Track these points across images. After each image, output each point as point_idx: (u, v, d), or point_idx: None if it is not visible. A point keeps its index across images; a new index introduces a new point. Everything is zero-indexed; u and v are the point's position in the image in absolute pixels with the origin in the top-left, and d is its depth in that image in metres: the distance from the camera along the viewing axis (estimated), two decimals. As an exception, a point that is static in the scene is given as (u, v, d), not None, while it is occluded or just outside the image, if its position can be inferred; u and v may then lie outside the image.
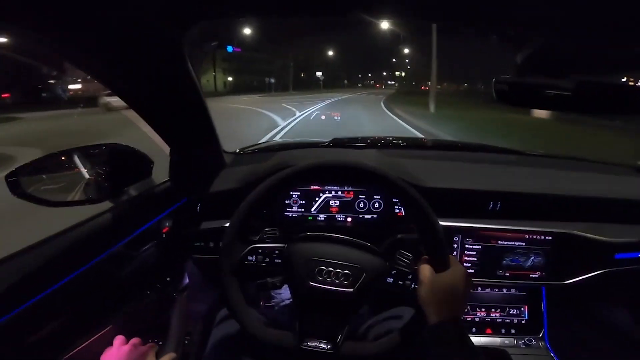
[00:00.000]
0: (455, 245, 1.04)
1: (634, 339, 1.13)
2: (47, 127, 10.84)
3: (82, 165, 0.84)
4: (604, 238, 0.99)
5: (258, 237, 0.93)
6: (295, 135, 8.56)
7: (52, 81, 22.80)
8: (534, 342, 1.14)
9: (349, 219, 1.10)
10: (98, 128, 9.16)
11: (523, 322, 1.16)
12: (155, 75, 0.77)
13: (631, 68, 0.67)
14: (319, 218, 1.10)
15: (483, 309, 1.16)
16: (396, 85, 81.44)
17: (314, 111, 15.02)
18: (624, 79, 0.68)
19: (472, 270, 1.05)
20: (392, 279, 0.96)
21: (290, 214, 1.10)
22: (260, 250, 0.93)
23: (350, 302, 0.83)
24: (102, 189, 0.84)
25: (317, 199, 1.10)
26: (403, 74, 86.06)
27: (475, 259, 1.04)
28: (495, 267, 1.04)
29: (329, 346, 0.79)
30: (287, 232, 0.98)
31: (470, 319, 1.16)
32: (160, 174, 1.01)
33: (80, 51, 0.63)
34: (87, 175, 0.84)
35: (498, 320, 1.16)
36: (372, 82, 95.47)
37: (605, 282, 1.03)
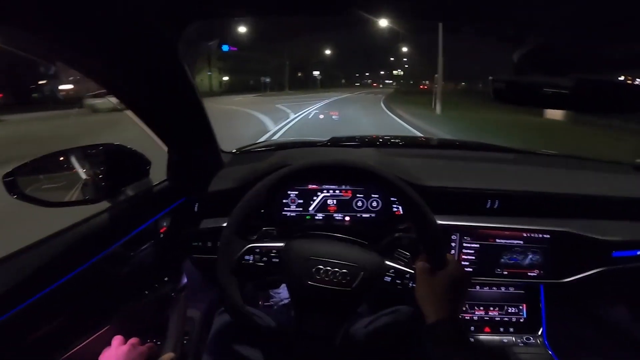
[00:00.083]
0: (453, 244, 1.05)
1: (632, 337, 1.14)
2: (21, 131, 10.17)
3: (80, 165, 0.85)
4: (601, 236, 1.00)
5: (256, 237, 0.94)
6: (293, 135, 8.39)
7: (43, 82, 22.59)
8: (532, 340, 1.14)
9: (347, 218, 1.10)
10: (75, 132, 8.34)
11: (521, 320, 1.17)
12: (152, 75, 0.77)
13: (629, 67, 0.68)
14: (317, 217, 1.11)
15: (481, 308, 1.17)
16: (394, 84, 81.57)
17: (310, 112, 14.45)
18: (622, 78, 0.69)
19: (471, 269, 1.05)
20: (390, 278, 0.97)
21: (288, 213, 1.11)
22: (257, 250, 0.94)
23: (348, 301, 0.84)
24: (99, 189, 0.85)
25: (315, 198, 1.10)
26: (401, 72, 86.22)
27: (474, 258, 1.05)
28: (494, 265, 1.05)
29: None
30: (285, 232, 0.98)
31: (468, 317, 1.17)
32: (157, 174, 1.02)
33: (76, 51, 0.63)
34: (84, 176, 0.84)
35: (496, 318, 1.17)
36: (369, 81, 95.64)
37: (603, 280, 1.05)
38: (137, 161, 0.92)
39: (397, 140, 1.54)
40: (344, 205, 1.10)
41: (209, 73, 36.40)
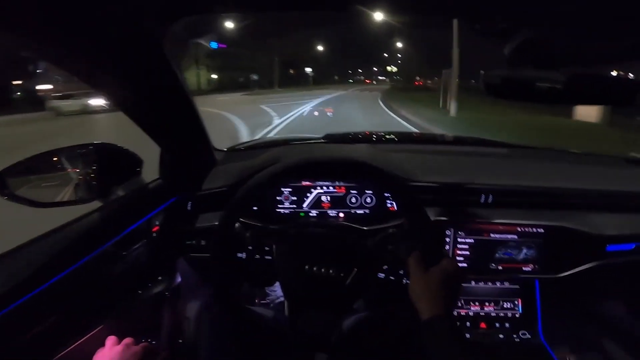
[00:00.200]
0: (447, 239, 1.06)
1: (628, 332, 1.16)
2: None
3: (71, 165, 0.85)
4: (595, 230, 1.02)
5: (249, 234, 0.94)
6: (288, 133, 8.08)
7: (18, 82, 21.83)
8: (528, 335, 1.16)
9: (341, 215, 1.11)
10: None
11: (517, 316, 1.19)
12: (139, 73, 0.77)
13: (621, 60, 0.70)
14: (310, 214, 1.12)
15: (477, 303, 1.19)
16: (387, 80, 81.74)
17: (301, 114, 12.91)
18: (614, 73, 0.71)
19: (465, 264, 1.07)
20: (383, 275, 0.99)
21: (282, 211, 1.12)
22: (251, 247, 0.95)
23: (342, 298, 0.85)
24: (91, 189, 0.85)
25: (308, 194, 1.11)
26: (395, 69, 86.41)
27: (468, 253, 1.06)
28: (488, 260, 1.06)
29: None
30: (278, 229, 1.00)
31: (464, 313, 1.19)
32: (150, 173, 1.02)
33: (59, 49, 0.63)
34: (75, 175, 0.85)
35: (492, 314, 1.19)
36: (362, 77, 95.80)
37: (598, 274, 1.06)
38: (129, 160, 0.93)
39: (391, 136, 1.56)
40: (337, 202, 1.11)
41: (197, 71, 36.05)
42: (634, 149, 5.87)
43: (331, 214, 1.12)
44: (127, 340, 0.82)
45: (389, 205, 1.11)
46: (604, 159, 1.37)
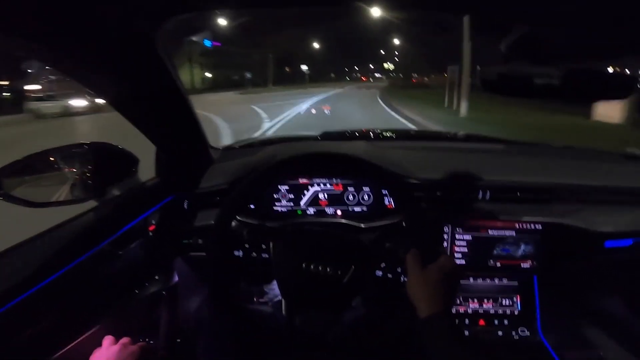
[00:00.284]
0: (445, 236, 1.07)
1: (627, 329, 1.16)
2: None
3: (66, 164, 0.86)
4: (593, 227, 1.03)
5: (246, 232, 0.95)
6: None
7: (5, 82, 21.20)
8: (527, 333, 1.17)
9: (339, 212, 1.12)
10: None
11: (515, 313, 1.20)
12: (133, 72, 0.77)
13: (616, 56, 0.72)
14: (308, 212, 1.12)
15: (475, 300, 1.20)
16: (384, 78, 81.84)
17: (296, 114, 12.02)
18: (610, 70, 0.73)
19: (463, 261, 1.08)
20: (381, 272, 1.00)
21: (279, 209, 1.12)
22: (247, 245, 0.96)
23: (340, 296, 0.86)
24: (86, 188, 0.86)
25: (305, 192, 1.12)
26: (392, 66, 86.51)
27: (466, 250, 1.07)
28: (486, 257, 1.07)
29: None
30: (275, 227, 1.00)
31: (462, 310, 1.20)
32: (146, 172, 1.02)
33: (51, 49, 0.63)
34: (71, 175, 0.86)
35: (491, 311, 1.20)
36: (359, 74, 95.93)
37: (596, 270, 1.08)
38: (124, 159, 0.93)
39: (389, 134, 1.57)
40: (335, 199, 1.12)
41: (192, 68, 35.85)
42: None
43: (329, 212, 1.12)
44: (124, 339, 0.83)
45: (386, 202, 1.12)
46: (602, 155, 1.39)
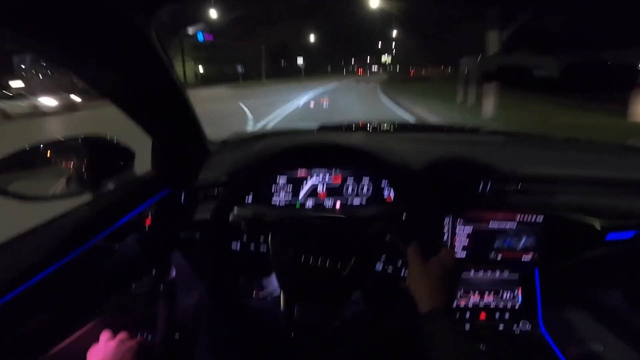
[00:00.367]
0: (445, 228, 1.08)
1: (628, 322, 1.17)
2: None
3: (60, 157, 0.86)
4: (594, 219, 1.04)
5: (243, 224, 0.95)
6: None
7: None
8: (528, 326, 1.18)
9: (338, 204, 1.13)
10: None
11: (516, 306, 1.20)
12: (125, 64, 0.76)
13: (618, 46, 0.72)
14: (306, 204, 1.13)
15: (476, 293, 1.20)
16: (380, 71, 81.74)
17: (288, 114, 11.06)
18: (612, 60, 0.73)
19: (464, 254, 1.09)
20: (381, 266, 1.01)
21: (278, 201, 1.13)
22: (245, 238, 0.96)
23: (340, 289, 0.87)
24: (82, 182, 0.86)
25: (304, 184, 1.12)
26: (389, 59, 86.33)
27: (467, 242, 1.08)
28: (487, 249, 1.08)
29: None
30: (273, 220, 1.01)
31: (463, 304, 1.21)
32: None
33: (44, 41, 0.63)
34: (65, 168, 0.86)
35: (492, 305, 1.20)
36: (356, 67, 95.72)
37: (597, 263, 1.09)
38: (120, 152, 0.93)
39: (388, 126, 1.57)
40: (334, 191, 1.12)
41: (184, 63, 35.52)
42: None
43: (327, 204, 1.13)
44: (122, 335, 0.83)
45: (385, 195, 1.12)
46: (603, 146, 1.40)
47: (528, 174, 1.10)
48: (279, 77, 44.34)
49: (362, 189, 1.12)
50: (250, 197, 1.10)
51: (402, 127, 1.75)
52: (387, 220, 1.00)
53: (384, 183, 1.11)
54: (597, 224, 1.04)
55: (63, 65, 0.72)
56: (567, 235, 1.06)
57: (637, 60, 0.71)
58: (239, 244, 0.98)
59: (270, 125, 9.35)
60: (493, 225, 1.07)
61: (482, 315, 1.21)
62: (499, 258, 1.09)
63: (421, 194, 0.83)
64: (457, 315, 1.21)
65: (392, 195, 1.11)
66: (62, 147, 0.86)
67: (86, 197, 0.87)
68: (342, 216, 1.03)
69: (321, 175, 1.12)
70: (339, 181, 1.12)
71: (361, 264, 0.87)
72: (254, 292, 1.19)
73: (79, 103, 15.36)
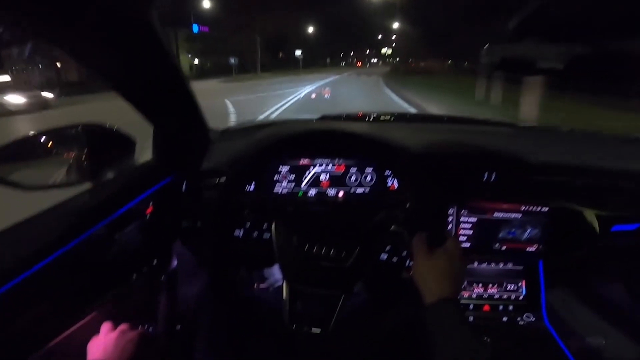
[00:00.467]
0: (450, 218, 1.08)
1: (631, 314, 1.19)
2: None
3: (60, 146, 0.86)
4: (600, 211, 1.04)
5: (246, 212, 0.95)
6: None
7: None
8: (532, 318, 1.19)
9: (341, 194, 1.13)
10: None
11: (520, 298, 1.21)
12: (126, 51, 0.76)
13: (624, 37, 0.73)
14: (309, 193, 1.13)
15: (480, 285, 1.21)
16: (380, 63, 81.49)
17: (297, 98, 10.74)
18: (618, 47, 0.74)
19: (468, 244, 1.09)
20: (386, 256, 1.01)
21: (280, 190, 1.12)
22: (248, 226, 0.96)
23: (344, 279, 0.87)
24: (82, 171, 0.86)
25: (307, 173, 1.12)
26: (389, 51, 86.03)
27: (471, 232, 1.09)
28: (492, 240, 1.09)
29: None
30: (276, 209, 1.01)
31: (467, 295, 1.21)
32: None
33: (46, 27, 0.63)
34: (65, 157, 0.86)
35: (496, 296, 1.21)
36: (355, 59, 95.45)
37: (602, 255, 1.09)
38: (121, 140, 0.93)
39: (389, 116, 1.58)
40: (337, 180, 1.12)
41: (178, 55, 35.09)
42: None
43: (330, 193, 1.13)
44: (123, 326, 0.84)
45: (389, 184, 1.12)
46: (607, 138, 1.41)
47: (533, 165, 1.11)
48: (275, 70, 43.98)
49: (366, 178, 1.12)
50: (253, 185, 1.11)
51: (403, 118, 1.75)
52: (391, 209, 1.00)
53: (388, 172, 1.11)
54: (602, 215, 1.04)
55: (65, 52, 0.72)
56: (572, 226, 1.06)
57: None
58: (241, 231, 0.99)
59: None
60: (498, 215, 1.08)
61: (486, 307, 1.21)
62: (503, 249, 1.10)
63: (425, 183, 0.83)
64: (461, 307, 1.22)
65: (395, 184, 1.11)
66: (62, 136, 0.87)
67: (86, 185, 0.87)
68: (344, 203, 1.03)
69: (324, 165, 1.12)
70: (342, 170, 1.12)
71: (366, 254, 0.87)
72: (255, 283, 1.20)
73: (50, 99, 14.03)
